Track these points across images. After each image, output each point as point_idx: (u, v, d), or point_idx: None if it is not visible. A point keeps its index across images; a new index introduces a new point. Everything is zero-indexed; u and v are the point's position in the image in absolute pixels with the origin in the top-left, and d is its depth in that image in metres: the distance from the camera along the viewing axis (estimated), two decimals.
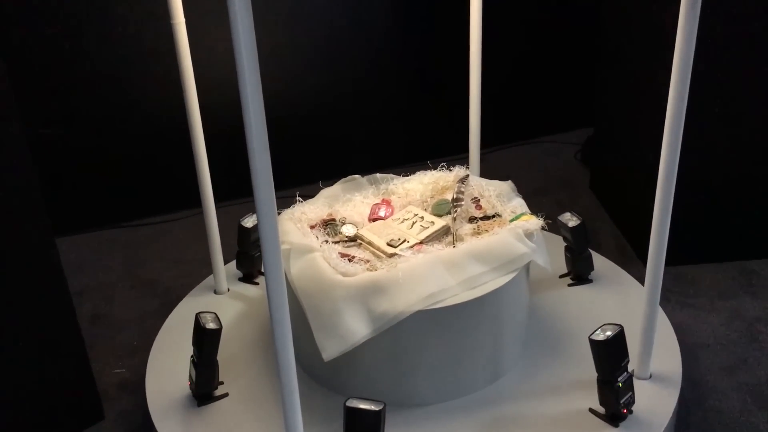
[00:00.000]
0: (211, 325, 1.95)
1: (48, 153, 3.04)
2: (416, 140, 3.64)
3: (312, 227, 2.14)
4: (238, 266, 2.55)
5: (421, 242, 2.05)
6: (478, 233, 2.07)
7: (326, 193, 2.27)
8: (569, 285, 2.43)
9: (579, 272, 2.43)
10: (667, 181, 1.75)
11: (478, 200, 2.24)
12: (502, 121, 3.65)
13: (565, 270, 2.47)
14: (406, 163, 3.58)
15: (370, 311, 1.86)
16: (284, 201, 3.35)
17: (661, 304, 2.32)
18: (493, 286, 1.93)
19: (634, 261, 2.86)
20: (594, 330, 1.84)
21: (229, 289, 2.52)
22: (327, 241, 2.08)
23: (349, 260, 1.97)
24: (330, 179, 3.55)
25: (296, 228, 2.10)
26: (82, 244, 3.17)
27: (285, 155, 3.43)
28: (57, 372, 2.10)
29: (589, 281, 2.44)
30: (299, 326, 2.00)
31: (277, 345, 1.49)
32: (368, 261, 1.97)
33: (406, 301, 1.85)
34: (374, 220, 2.19)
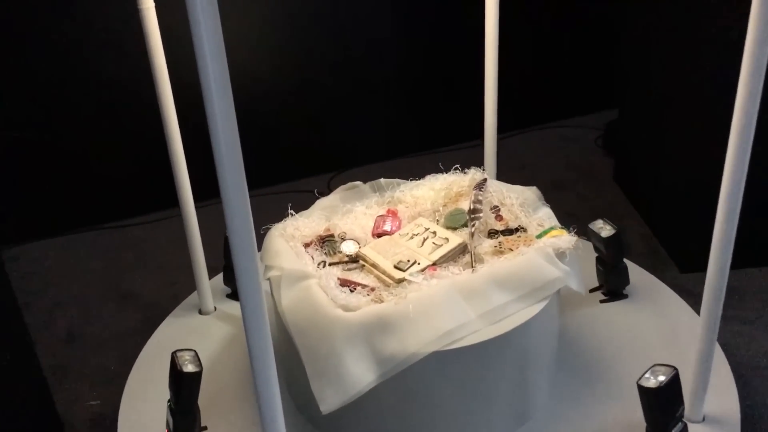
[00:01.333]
0: (189, 368, 1.67)
1: (22, 153, 2.75)
2: (425, 127, 3.34)
3: (307, 245, 1.85)
4: (226, 282, 2.27)
5: (434, 264, 1.76)
6: (501, 252, 1.77)
7: (323, 203, 1.97)
8: (601, 301, 2.14)
9: (612, 287, 2.14)
10: (731, 205, 1.43)
11: (499, 209, 1.94)
12: (514, 104, 3.33)
13: (594, 281, 2.17)
14: (415, 151, 3.31)
15: (376, 353, 1.57)
16: (288, 197, 3.10)
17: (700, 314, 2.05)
18: (520, 318, 1.64)
19: (668, 265, 2.56)
20: (643, 373, 1.56)
21: (216, 308, 2.24)
22: (324, 263, 1.78)
23: (351, 289, 1.68)
24: (334, 171, 3.34)
25: (288, 247, 1.80)
26: (60, 248, 2.89)
27: (285, 146, 3.14)
28: (11, 405, 1.80)
29: (624, 296, 2.15)
30: (292, 360, 1.72)
31: (259, 389, 1.21)
32: (373, 289, 1.68)
33: (419, 340, 1.56)
34: (379, 235, 1.89)
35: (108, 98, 2.84)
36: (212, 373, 1.99)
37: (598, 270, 2.13)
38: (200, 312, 2.23)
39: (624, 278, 2.12)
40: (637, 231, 2.77)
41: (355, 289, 1.68)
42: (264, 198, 3.09)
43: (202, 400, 1.75)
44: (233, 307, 2.25)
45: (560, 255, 1.73)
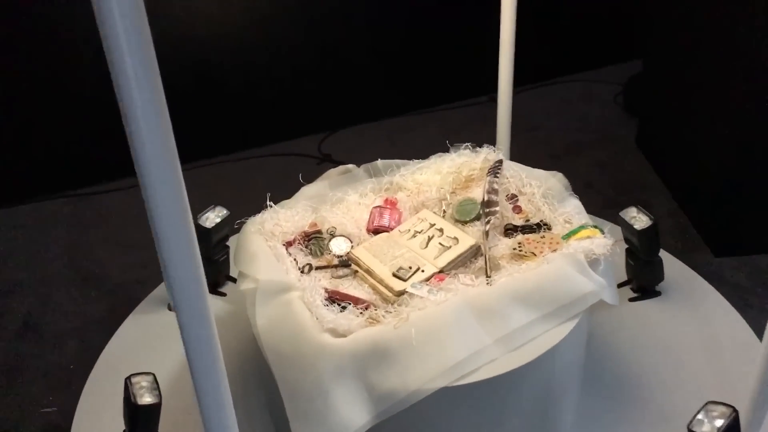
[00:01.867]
0: (146, 399, 1.39)
1: None
2: (426, 82, 2.99)
3: (289, 244, 1.55)
4: None
5: (440, 271, 1.46)
6: (521, 256, 1.48)
7: (308, 191, 1.66)
8: (631, 299, 1.86)
9: (644, 283, 1.85)
10: None
11: (517, 199, 1.64)
12: (525, 55, 2.97)
13: (621, 273, 1.89)
14: (415, 109, 2.98)
15: (371, 390, 1.29)
16: (275, 161, 2.78)
17: (742, 310, 1.78)
18: (545, 343, 1.35)
19: (699, 247, 2.27)
20: (695, 415, 1.28)
21: None
22: (309, 267, 1.49)
23: (341, 307, 1.38)
24: (326, 132, 3.01)
25: (267, 248, 1.50)
26: (17, 219, 2.58)
27: (271, 103, 2.80)
28: None
29: (656, 294, 1.87)
30: (273, 384, 1.44)
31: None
32: (367, 307, 1.39)
33: (423, 374, 1.28)
34: (376, 231, 1.59)
35: (70, 49, 2.49)
36: (180, 387, 1.72)
37: (627, 263, 1.85)
38: (169, 308, 1.95)
39: (658, 274, 1.84)
40: (663, 206, 2.47)
41: (345, 306, 1.38)
42: (248, 162, 2.78)
43: (166, 423, 1.48)
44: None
45: (593, 262, 1.44)
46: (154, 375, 1.44)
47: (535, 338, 1.36)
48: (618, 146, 2.79)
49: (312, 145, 2.87)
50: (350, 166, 1.70)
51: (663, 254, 1.91)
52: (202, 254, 1.90)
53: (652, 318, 1.82)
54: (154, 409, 1.39)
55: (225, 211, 1.88)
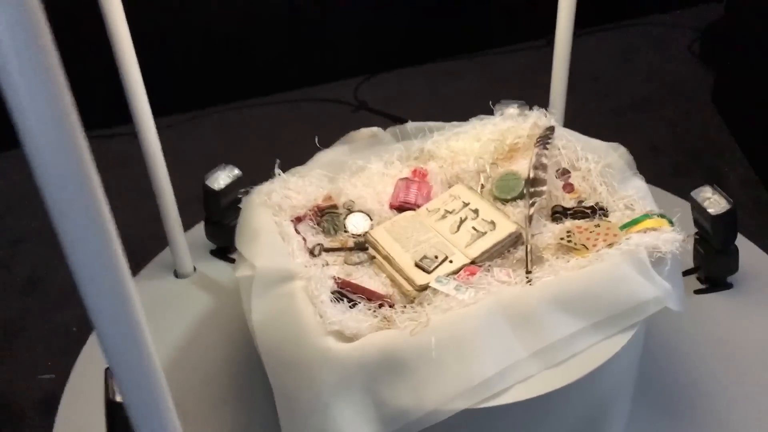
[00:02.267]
0: None
1: None
2: (469, 25, 2.70)
3: (299, 220, 1.34)
4: (209, 236, 1.79)
5: (472, 262, 1.24)
6: (570, 247, 1.24)
7: (325, 157, 1.43)
8: (696, 292, 1.61)
9: (714, 274, 1.60)
10: None
11: (569, 176, 1.39)
12: None
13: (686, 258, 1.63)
14: (458, 53, 2.68)
15: (380, 406, 1.09)
16: (306, 106, 2.55)
17: None
18: (593, 358, 1.13)
19: None
20: None
21: (195, 269, 1.77)
22: (320, 248, 1.28)
23: (350, 302, 1.17)
24: (363, 75, 2.75)
25: (273, 224, 1.29)
26: (24, 163, 2.42)
27: (302, 43, 2.56)
28: None
29: (728, 286, 1.61)
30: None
31: None
32: (381, 305, 1.17)
33: (443, 391, 1.07)
34: (400, 207, 1.37)
35: None
36: (183, 364, 1.56)
37: (696, 250, 1.59)
38: (176, 274, 1.77)
39: (732, 264, 1.58)
40: (737, 174, 2.18)
41: (355, 303, 1.17)
42: (276, 107, 2.56)
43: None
44: (218, 269, 1.78)
45: (657, 262, 1.19)
46: None
47: (581, 352, 1.13)
48: (690, 103, 2.49)
49: (348, 91, 2.62)
50: (375, 129, 1.46)
51: (740, 241, 1.64)
52: (211, 218, 1.74)
53: (720, 315, 1.57)
54: None
55: (236, 171, 1.68)
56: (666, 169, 2.19)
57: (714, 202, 1.48)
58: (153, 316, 1.67)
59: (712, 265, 1.57)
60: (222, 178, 1.65)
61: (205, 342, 1.62)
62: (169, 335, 1.64)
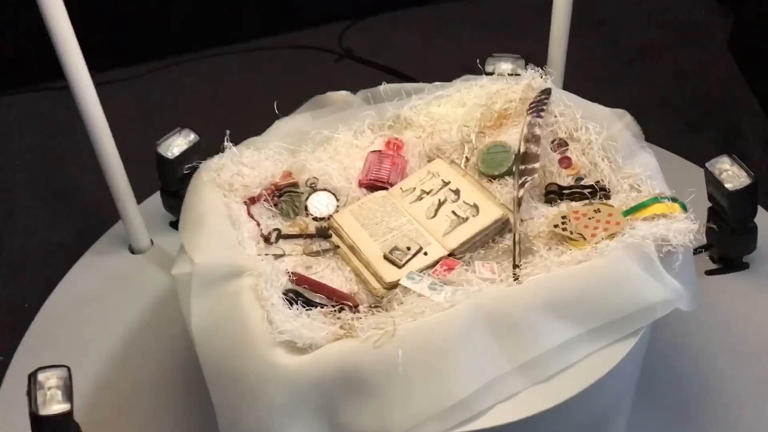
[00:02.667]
0: (54, 408, 1.06)
1: None
2: None
3: (253, 201, 1.16)
4: (166, 207, 1.62)
5: (450, 254, 1.06)
6: (565, 237, 1.06)
7: (285, 126, 1.24)
8: (708, 272, 1.44)
9: (729, 253, 1.43)
10: None
11: (567, 148, 1.20)
12: None
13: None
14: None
15: (338, 431, 0.93)
16: (285, 54, 2.34)
17: None
18: (590, 372, 0.97)
19: None
20: None
21: (153, 243, 1.61)
22: (278, 234, 1.10)
23: (305, 304, 1.00)
24: (347, 20, 2.52)
25: (222, 206, 1.12)
26: None
27: None
28: None
29: (744, 267, 1.44)
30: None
31: None
32: (341, 307, 1.00)
33: (412, 413, 0.92)
34: (370, 185, 1.19)
35: None
36: (137, 349, 1.42)
37: (709, 228, 1.41)
38: (131, 250, 1.60)
39: (750, 243, 1.41)
40: (754, 129, 1.99)
41: (312, 306, 1.00)
42: (252, 55, 2.35)
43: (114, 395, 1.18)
44: (178, 243, 1.61)
45: (667, 256, 1.02)
46: (68, 369, 1.10)
47: (576, 364, 0.97)
48: (705, 50, 2.29)
49: (331, 38, 2.40)
50: (343, 92, 1.26)
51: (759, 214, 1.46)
52: (167, 188, 1.56)
53: (734, 299, 1.41)
54: (63, 421, 1.06)
55: (193, 136, 1.50)
56: (677, 125, 2.01)
57: (732, 175, 1.30)
58: (104, 297, 1.53)
59: (726, 244, 1.41)
60: (177, 144, 1.47)
61: (162, 326, 1.47)
62: (122, 317, 1.50)
